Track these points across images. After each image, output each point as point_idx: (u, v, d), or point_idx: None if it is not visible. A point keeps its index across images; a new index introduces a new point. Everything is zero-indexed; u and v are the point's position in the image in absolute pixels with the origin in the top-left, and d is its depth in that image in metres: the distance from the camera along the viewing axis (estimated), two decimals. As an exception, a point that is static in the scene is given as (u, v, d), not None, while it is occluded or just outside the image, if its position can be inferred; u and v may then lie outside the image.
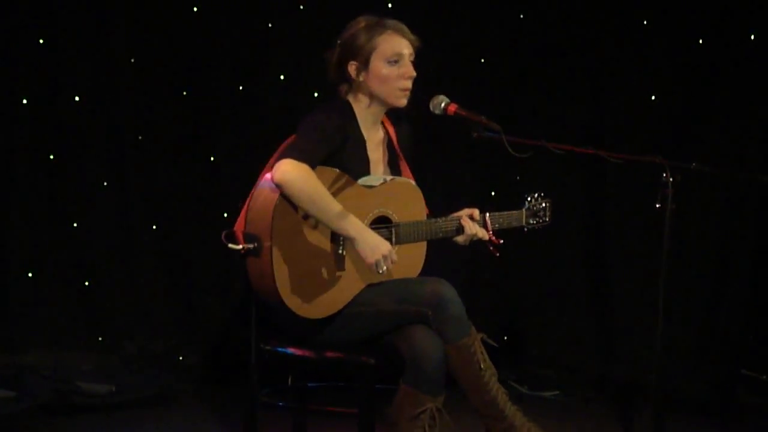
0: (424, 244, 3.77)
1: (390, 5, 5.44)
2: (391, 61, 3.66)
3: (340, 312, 3.59)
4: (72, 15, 5.31)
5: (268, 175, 3.54)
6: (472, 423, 3.69)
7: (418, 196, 3.78)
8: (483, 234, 3.77)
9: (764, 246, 5.48)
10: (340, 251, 3.59)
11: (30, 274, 5.34)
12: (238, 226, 3.58)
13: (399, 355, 3.52)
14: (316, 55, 5.46)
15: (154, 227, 5.50)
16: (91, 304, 5.42)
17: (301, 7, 5.51)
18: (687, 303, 5.45)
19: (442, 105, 3.74)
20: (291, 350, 3.67)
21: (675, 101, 5.55)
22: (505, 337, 5.72)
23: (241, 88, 5.52)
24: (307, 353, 3.65)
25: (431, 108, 3.76)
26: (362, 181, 3.66)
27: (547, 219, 4.01)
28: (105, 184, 5.43)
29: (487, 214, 3.81)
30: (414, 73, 3.69)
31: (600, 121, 5.64)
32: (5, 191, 5.29)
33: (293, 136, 3.62)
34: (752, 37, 5.42)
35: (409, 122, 3.94)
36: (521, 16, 5.67)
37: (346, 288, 3.60)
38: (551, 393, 5.44)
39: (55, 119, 5.35)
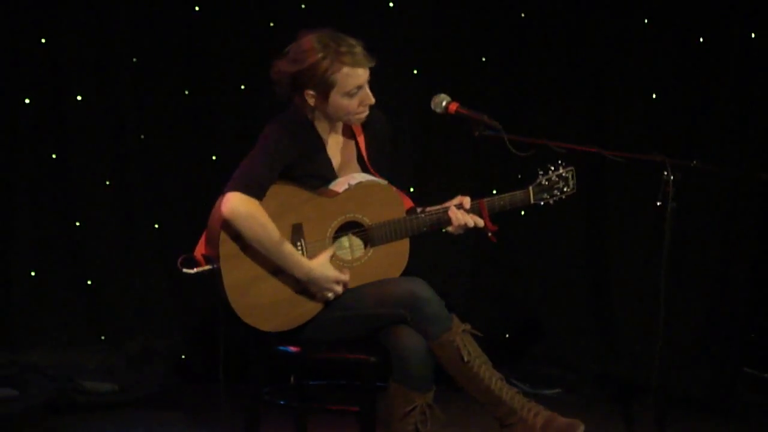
0: (407, 243, 3.72)
1: (391, 4, 5.44)
2: (351, 94, 3.60)
3: (317, 316, 3.61)
4: (74, 14, 5.31)
5: (217, 215, 3.58)
6: (466, 416, 3.69)
7: (391, 194, 3.71)
8: (475, 221, 3.69)
9: (765, 244, 5.48)
10: None
11: (33, 273, 5.35)
12: (199, 249, 3.64)
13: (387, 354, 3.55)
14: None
15: (157, 226, 5.51)
16: (93, 303, 5.43)
17: (303, 6, 5.51)
18: (688, 301, 5.45)
19: (444, 104, 3.75)
20: (293, 349, 3.68)
21: (676, 100, 5.55)
22: (507, 335, 5.72)
23: (242, 87, 5.53)
24: (308, 352, 3.66)
25: (432, 107, 3.76)
26: (328, 187, 3.65)
27: (570, 188, 3.81)
28: (107, 183, 5.44)
29: (485, 200, 3.73)
30: (372, 100, 3.65)
31: (601, 120, 5.64)
32: (8, 190, 5.30)
33: (245, 159, 3.62)
34: (753, 35, 5.42)
35: (382, 116, 3.86)
36: (522, 15, 5.67)
37: (310, 303, 3.62)
38: (553, 391, 5.44)
39: (58, 118, 5.36)
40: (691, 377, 5.35)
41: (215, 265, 3.54)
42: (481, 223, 3.71)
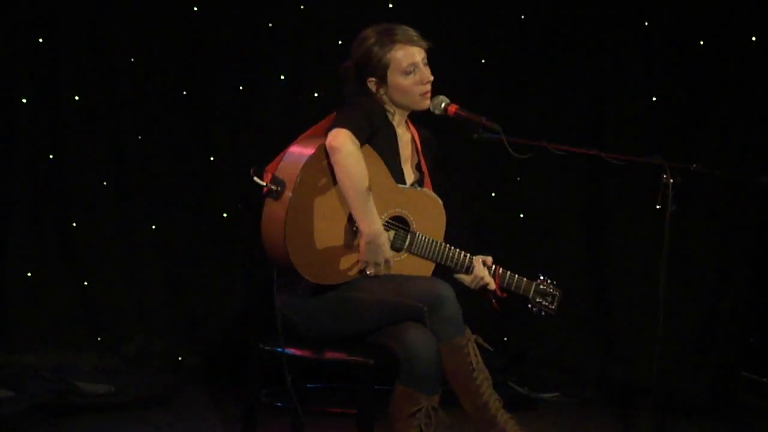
0: (431, 268, 3.74)
1: (390, 5, 5.43)
2: (407, 72, 3.69)
3: (335, 293, 3.58)
4: (71, 14, 5.30)
5: (306, 148, 3.56)
6: (470, 422, 3.67)
7: (442, 216, 3.77)
8: (489, 281, 3.78)
9: (765, 247, 5.47)
10: (355, 228, 3.58)
11: (29, 274, 5.33)
12: (271, 167, 3.59)
13: (393, 356, 3.51)
14: (317, 55, 5.48)
15: (154, 227, 5.50)
16: (90, 304, 5.42)
17: (302, 6, 5.50)
18: (687, 304, 5.44)
19: (443, 105, 3.75)
20: (290, 350, 3.65)
21: (676, 102, 5.54)
22: (505, 338, 5.70)
23: (241, 88, 5.51)
24: (306, 353, 3.64)
25: (431, 108, 3.76)
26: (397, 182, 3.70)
27: (553, 308, 3.90)
28: (104, 183, 5.43)
29: (500, 268, 3.80)
30: (431, 77, 3.73)
31: (601, 122, 5.63)
32: (5, 190, 5.29)
33: (339, 112, 3.62)
34: (753, 38, 5.41)
35: (431, 133, 3.95)
36: (522, 17, 5.66)
37: (350, 266, 3.60)
38: (551, 394, 5.43)
39: (55, 119, 5.35)
40: (690, 381, 5.34)
41: (284, 191, 3.48)
42: (493, 286, 3.78)
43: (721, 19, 5.44)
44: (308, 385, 3.99)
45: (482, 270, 3.76)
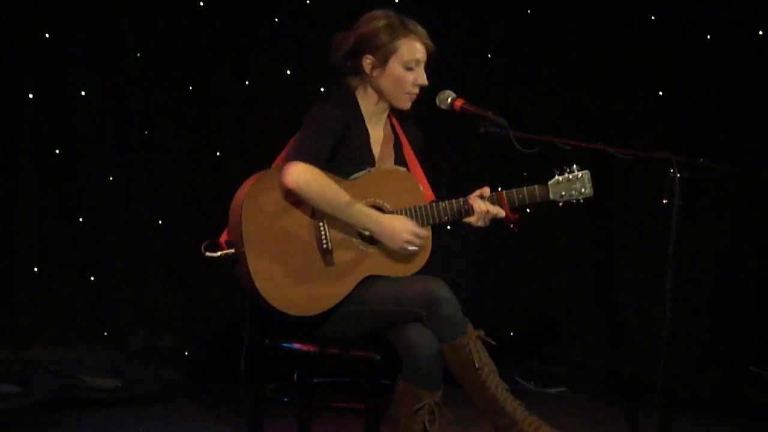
0: (429, 237, 3.68)
1: (397, 0, 5.42)
2: (409, 66, 3.65)
3: (333, 310, 3.56)
4: (78, 9, 5.30)
5: (238, 197, 3.54)
6: (474, 416, 3.66)
7: (412, 182, 3.70)
8: (497, 211, 3.69)
9: (772, 243, 5.47)
10: (325, 246, 3.55)
11: (36, 269, 5.33)
12: (223, 237, 3.59)
13: (396, 352, 3.50)
14: (323, 51, 5.48)
15: (160, 222, 5.50)
16: (96, 299, 5.42)
17: (308, 1, 5.50)
18: (694, 299, 5.44)
19: (449, 100, 3.73)
20: (297, 346, 3.65)
21: (682, 97, 5.53)
22: (512, 334, 5.70)
23: (247, 83, 5.51)
24: (312, 349, 3.64)
25: (438, 103, 3.74)
26: (351, 176, 3.63)
27: (587, 190, 3.79)
28: (111, 178, 5.43)
29: (503, 192, 3.71)
30: (426, 82, 3.68)
31: (607, 117, 5.63)
32: (11, 186, 5.28)
33: (297, 134, 3.60)
34: (760, 32, 5.40)
35: (416, 124, 3.90)
36: (528, 12, 5.65)
37: (339, 283, 3.56)
38: (558, 390, 5.43)
39: (61, 114, 5.34)
40: (696, 376, 5.34)
41: (239, 249, 3.48)
42: (501, 213, 3.70)
43: (727, 14, 5.43)
44: (314, 380, 3.98)
45: (482, 205, 3.67)
